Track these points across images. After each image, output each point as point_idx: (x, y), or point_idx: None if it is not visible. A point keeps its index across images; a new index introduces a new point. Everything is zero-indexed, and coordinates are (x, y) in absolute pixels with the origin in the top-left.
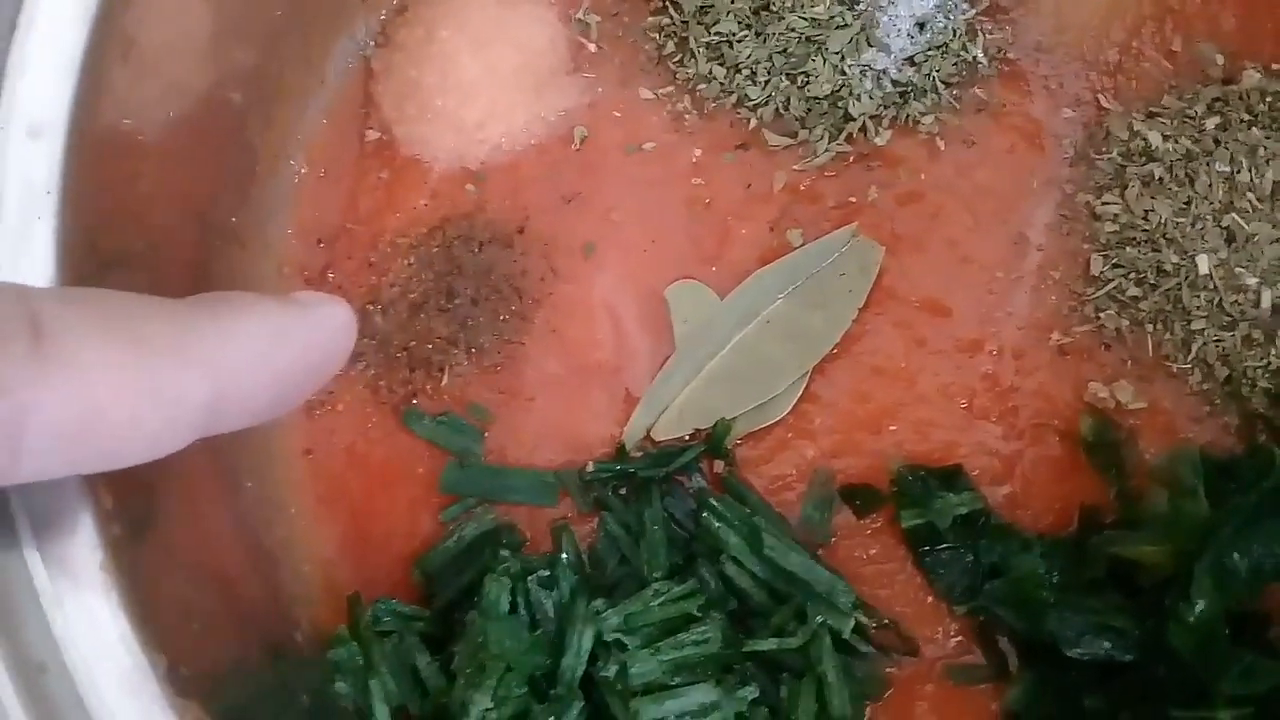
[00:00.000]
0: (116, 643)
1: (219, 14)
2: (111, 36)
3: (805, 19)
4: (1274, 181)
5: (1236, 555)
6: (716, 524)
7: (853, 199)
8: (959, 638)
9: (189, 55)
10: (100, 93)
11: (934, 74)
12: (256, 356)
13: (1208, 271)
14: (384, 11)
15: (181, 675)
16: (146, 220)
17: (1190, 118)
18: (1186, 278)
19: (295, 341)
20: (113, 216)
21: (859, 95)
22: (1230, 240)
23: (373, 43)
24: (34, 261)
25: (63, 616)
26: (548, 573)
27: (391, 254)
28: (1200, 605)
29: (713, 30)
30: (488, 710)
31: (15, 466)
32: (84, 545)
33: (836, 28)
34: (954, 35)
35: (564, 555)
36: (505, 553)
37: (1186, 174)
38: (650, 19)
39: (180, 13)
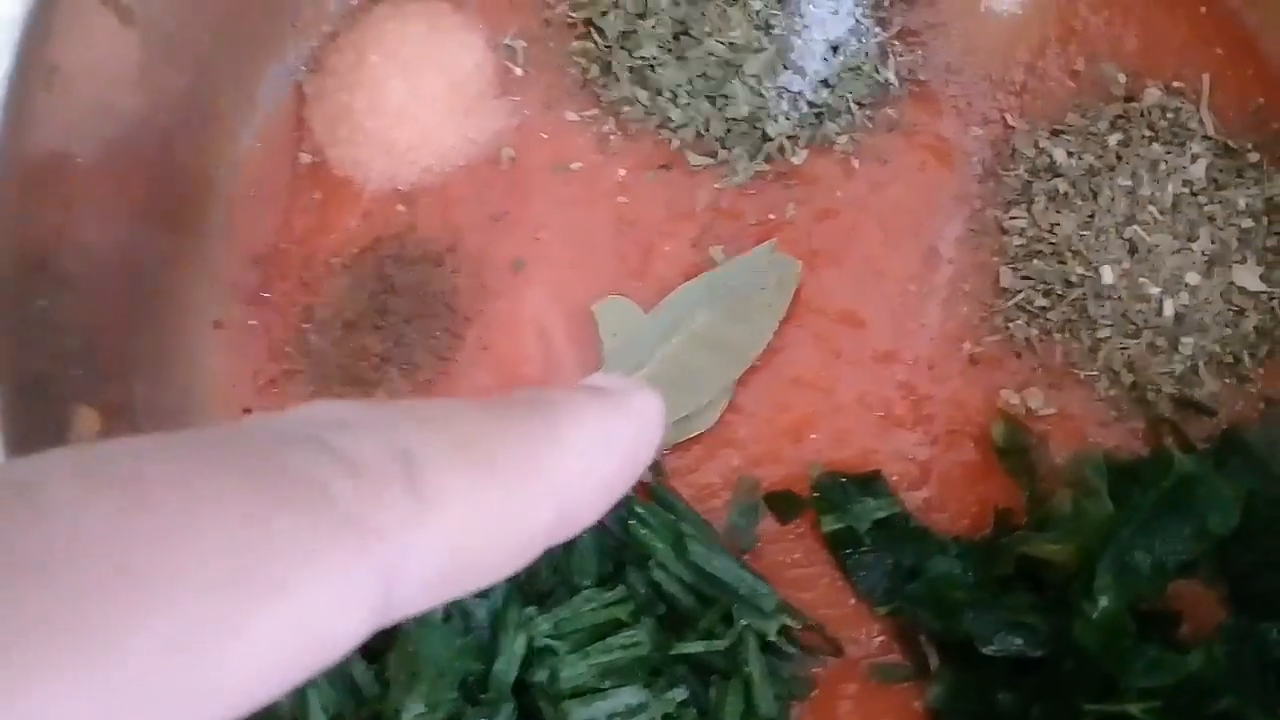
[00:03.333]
0: None
1: (146, 39)
2: (34, 63)
3: (723, 43)
4: (1174, 194)
5: (1138, 552)
6: (644, 531)
7: (772, 216)
8: (881, 638)
9: (116, 80)
10: (26, 117)
11: (848, 95)
12: (591, 467)
13: (1112, 282)
14: (315, 38)
15: None
16: (83, 243)
17: (1093, 134)
18: (1092, 288)
19: (622, 445)
20: (49, 239)
21: (776, 116)
22: (1133, 251)
23: (304, 67)
24: None
25: None
26: None
27: (325, 273)
28: (1103, 601)
29: (635, 55)
30: (420, 715)
31: (388, 611)
32: None
33: (753, 52)
34: (866, 58)
35: None
36: None
37: (1090, 188)
38: (575, 44)
39: (105, 39)
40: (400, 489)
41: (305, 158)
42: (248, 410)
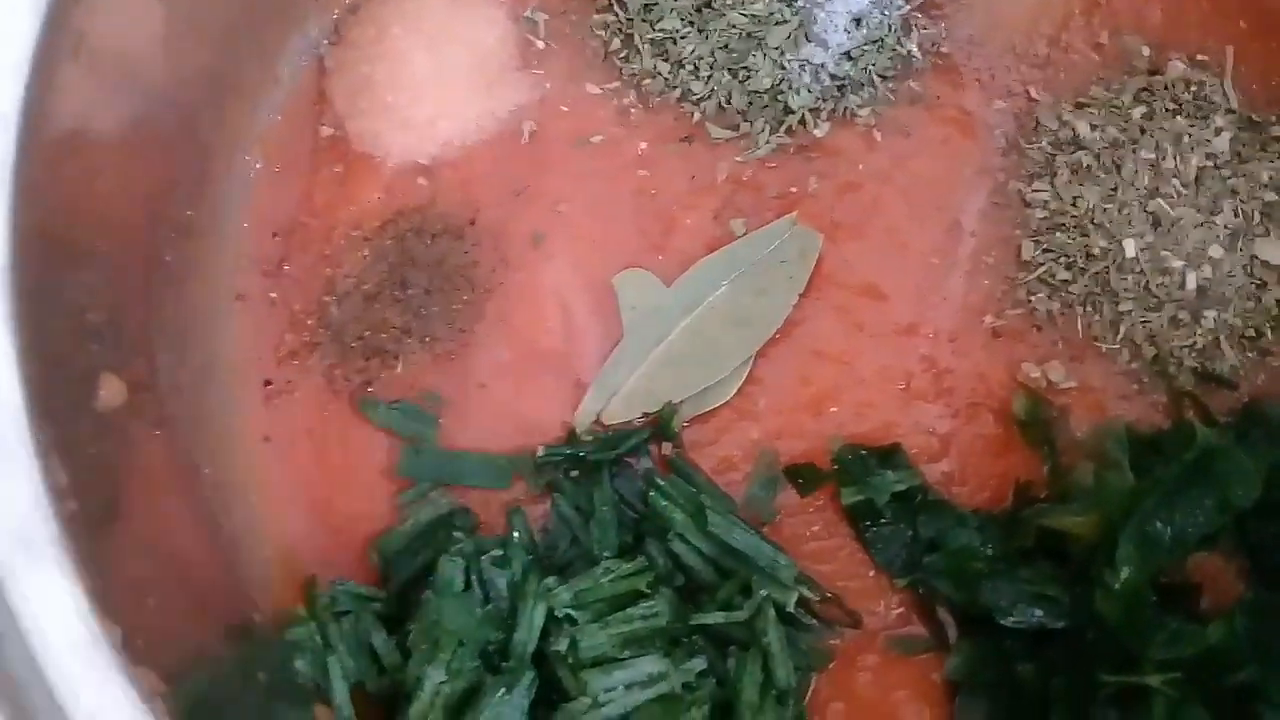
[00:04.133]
0: (71, 612)
1: (171, 12)
2: (62, 32)
3: (746, 16)
4: (1198, 168)
5: (1159, 524)
6: (663, 503)
7: (793, 189)
8: (900, 610)
9: (141, 53)
10: (52, 88)
11: (870, 68)
12: None
13: (1134, 255)
14: (336, 10)
15: (137, 646)
16: (105, 216)
17: (1117, 108)
18: (1114, 261)
19: None
20: (71, 212)
21: (798, 89)
22: (1156, 225)
23: (326, 40)
24: None
25: (16, 586)
26: (501, 552)
27: (346, 246)
28: (1125, 572)
29: (657, 27)
30: (442, 683)
31: None
32: (38, 519)
33: (776, 24)
34: (889, 30)
35: (516, 535)
36: (459, 534)
37: (1114, 161)
38: (597, 16)
39: (132, 10)
40: None
41: (326, 131)
42: (268, 382)
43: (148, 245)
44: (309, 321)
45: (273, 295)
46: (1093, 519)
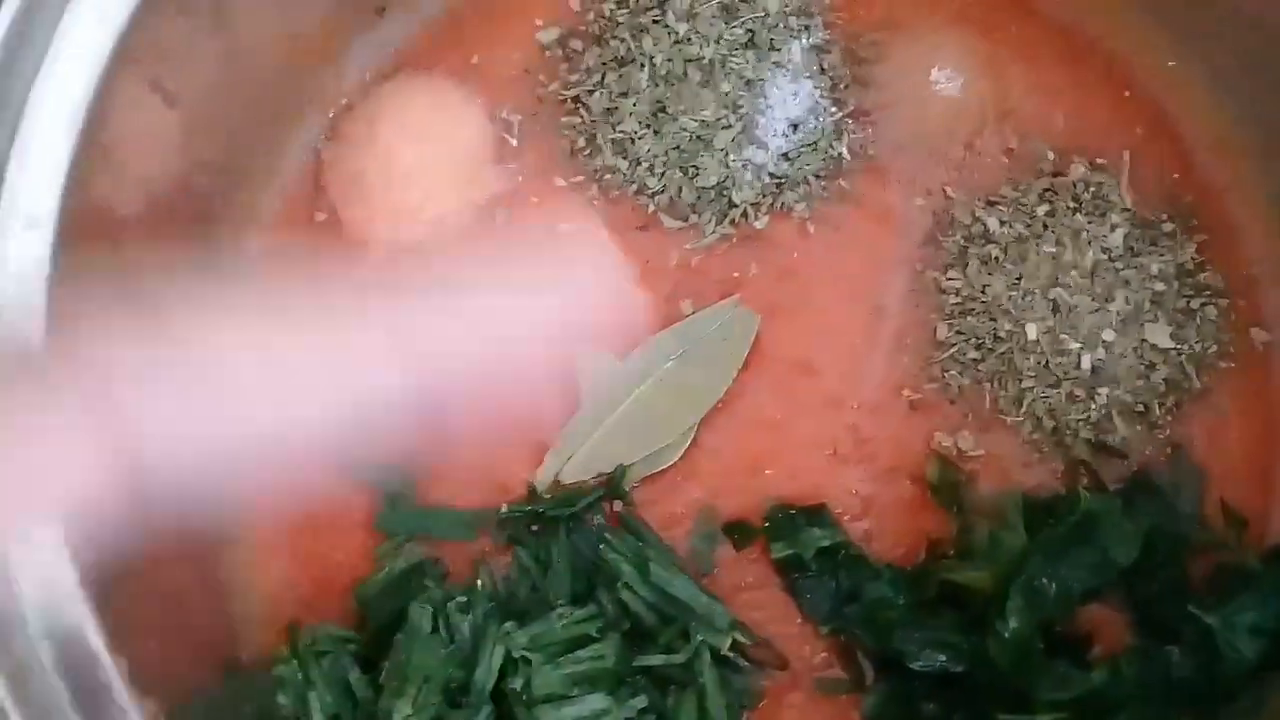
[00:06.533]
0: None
1: (188, 118)
2: (93, 144)
3: (695, 120)
4: (1094, 260)
5: (1045, 579)
6: (613, 555)
7: (736, 274)
8: (824, 654)
9: (160, 153)
10: (83, 190)
11: (805, 168)
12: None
13: (1036, 338)
14: (332, 110)
15: (141, 678)
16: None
17: (1023, 205)
18: (1018, 343)
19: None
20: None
21: (741, 186)
22: (1056, 311)
23: (323, 136)
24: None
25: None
26: (465, 599)
27: None
28: (1014, 621)
29: (618, 129)
30: (408, 717)
31: None
32: (64, 567)
33: (722, 128)
34: (823, 134)
35: (480, 584)
36: (429, 582)
37: (1019, 254)
38: (564, 119)
39: (153, 120)
40: None
41: (320, 216)
42: None
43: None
44: None
45: None
46: (987, 574)
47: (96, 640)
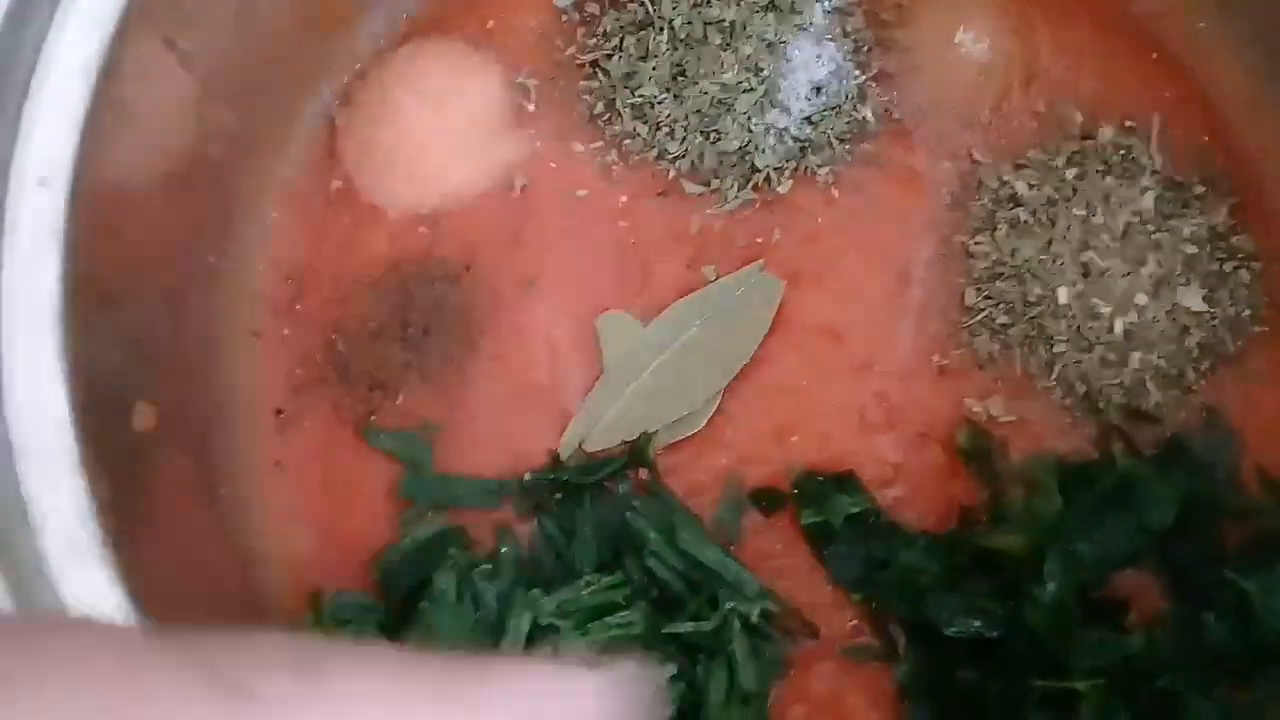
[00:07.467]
0: (114, 610)
1: (202, 80)
2: (107, 102)
3: (717, 84)
4: (1125, 223)
5: (1083, 544)
6: (640, 523)
7: (759, 240)
8: (854, 622)
9: (175, 116)
10: (97, 149)
11: (829, 131)
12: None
13: (1067, 302)
14: (346, 75)
15: None
16: (138, 263)
17: (1052, 168)
18: (1049, 307)
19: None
20: (110, 260)
21: (764, 150)
22: (1087, 274)
23: (337, 102)
24: (43, 295)
25: (68, 585)
26: (490, 567)
27: (353, 289)
28: (1051, 586)
29: (637, 93)
30: None
31: None
32: (85, 529)
33: (744, 91)
34: (846, 98)
35: (504, 551)
36: (453, 550)
37: (1048, 217)
38: (582, 83)
39: (167, 80)
40: (288, 672)
41: (336, 184)
42: (280, 412)
43: (174, 288)
44: (318, 357)
45: (285, 333)
46: (1023, 539)
47: (119, 610)
